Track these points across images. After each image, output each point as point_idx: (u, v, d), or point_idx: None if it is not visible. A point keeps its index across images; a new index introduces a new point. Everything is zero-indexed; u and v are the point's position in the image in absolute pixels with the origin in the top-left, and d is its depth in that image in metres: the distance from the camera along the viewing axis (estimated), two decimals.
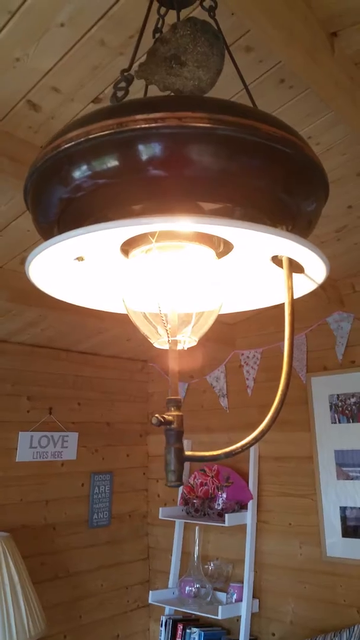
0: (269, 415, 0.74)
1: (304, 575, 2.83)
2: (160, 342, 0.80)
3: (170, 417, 0.74)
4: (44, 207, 0.77)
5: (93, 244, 0.77)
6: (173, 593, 3.10)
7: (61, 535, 3.04)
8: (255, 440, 0.74)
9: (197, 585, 2.96)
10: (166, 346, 0.78)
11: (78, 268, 0.84)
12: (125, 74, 0.78)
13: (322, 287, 1.33)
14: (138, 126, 0.64)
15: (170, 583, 3.22)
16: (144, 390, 3.64)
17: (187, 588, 2.97)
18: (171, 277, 0.80)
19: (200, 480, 3.14)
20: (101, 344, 3.21)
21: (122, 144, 0.66)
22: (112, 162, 0.67)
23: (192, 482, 3.18)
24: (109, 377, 3.39)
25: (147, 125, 0.64)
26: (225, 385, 3.28)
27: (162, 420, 0.72)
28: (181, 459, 0.74)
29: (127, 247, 0.81)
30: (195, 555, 3.05)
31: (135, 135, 0.65)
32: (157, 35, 1.00)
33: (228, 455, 0.75)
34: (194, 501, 3.10)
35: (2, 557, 2.34)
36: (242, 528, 2.99)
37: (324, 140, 1.82)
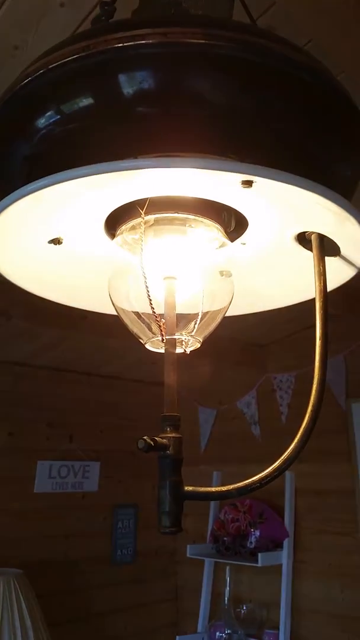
0: (295, 440, 0.56)
1: (348, 623, 2.57)
2: (153, 342, 0.62)
3: (164, 441, 0.56)
4: (5, 175, 0.61)
5: (69, 217, 0.61)
6: (202, 638, 2.88)
7: (81, 572, 2.85)
8: (278, 471, 0.55)
9: (229, 631, 2.74)
10: (160, 349, 0.61)
11: (56, 254, 0.67)
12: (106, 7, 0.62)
13: None
14: (110, 46, 0.48)
15: (199, 627, 2.99)
16: None
17: (217, 634, 2.75)
18: (166, 261, 0.63)
19: (231, 516, 2.92)
20: (125, 367, 3.06)
21: (92, 72, 0.50)
22: (84, 100, 0.51)
23: (222, 518, 2.97)
24: (133, 402, 3.22)
25: (121, 45, 0.48)
26: (256, 411, 3.07)
27: (153, 444, 0.54)
28: (179, 496, 0.55)
29: (114, 226, 0.65)
30: (226, 598, 2.83)
31: (107, 59, 0.49)
32: None
33: (242, 491, 0.56)
34: (225, 538, 2.88)
35: (13, 597, 2.16)
36: (278, 568, 2.75)
37: None
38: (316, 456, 2.59)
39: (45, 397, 2.88)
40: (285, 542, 2.77)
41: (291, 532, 2.79)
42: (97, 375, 3.09)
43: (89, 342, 2.61)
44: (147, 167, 0.46)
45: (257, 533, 2.76)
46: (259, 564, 2.61)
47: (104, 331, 2.43)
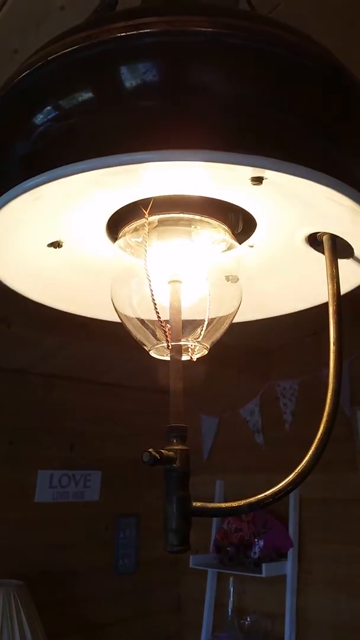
0: (310, 452, 0.53)
1: (354, 635, 2.52)
2: (158, 349, 0.59)
3: (170, 453, 0.53)
4: (2, 175, 0.58)
5: (70, 219, 0.58)
6: None
7: (83, 583, 2.80)
8: (292, 485, 0.52)
9: None
10: (166, 356, 0.58)
11: (56, 258, 0.65)
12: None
13: None
14: (111, 36, 0.45)
15: (203, 638, 2.95)
16: None
17: None
18: (171, 264, 0.60)
19: (234, 526, 2.87)
20: (126, 375, 3.03)
21: (94, 64, 0.47)
22: (84, 93, 0.49)
23: (225, 528, 2.92)
24: (135, 410, 3.18)
25: (123, 34, 0.45)
26: (260, 419, 3.03)
27: (158, 457, 0.51)
28: (187, 513, 0.52)
29: (117, 229, 0.62)
30: (230, 609, 2.79)
31: (110, 50, 0.46)
32: None
33: (254, 507, 0.53)
34: (228, 549, 2.84)
35: (13, 609, 2.12)
36: (282, 579, 2.71)
37: None
38: (321, 464, 2.52)
39: (46, 406, 2.85)
40: (290, 552, 2.72)
41: (296, 542, 2.75)
42: (99, 383, 3.06)
43: (91, 349, 2.58)
44: (150, 161, 0.44)
45: (261, 543, 2.71)
46: (263, 575, 2.56)
47: (106, 338, 2.40)
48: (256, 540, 2.74)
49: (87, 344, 2.45)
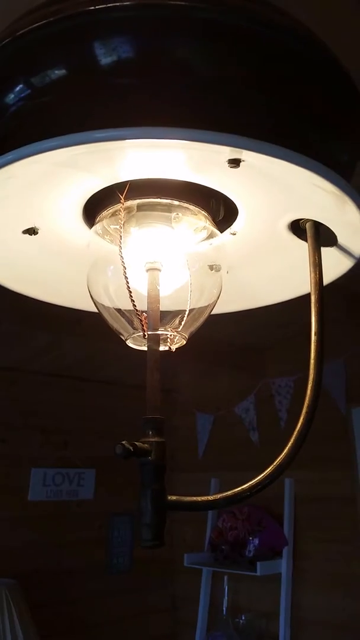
0: (288, 444, 0.51)
1: (349, 633, 2.50)
2: (135, 339, 0.57)
3: (145, 446, 0.51)
4: None
5: (44, 204, 0.57)
6: None
7: (76, 582, 2.78)
8: (269, 479, 0.50)
9: None
10: (143, 346, 0.56)
11: (32, 245, 0.63)
12: None
13: None
14: (83, 9, 0.44)
15: (197, 638, 2.92)
16: (167, 424, 3.38)
17: None
18: (149, 251, 0.58)
19: (229, 524, 2.85)
20: (120, 373, 3.00)
21: (65, 39, 0.45)
22: (56, 70, 0.47)
23: (220, 526, 2.90)
24: (129, 408, 3.14)
25: (94, 7, 0.43)
26: (255, 417, 3.01)
27: (132, 449, 0.49)
28: (162, 507, 0.50)
29: (94, 214, 0.60)
30: (225, 608, 2.76)
31: (81, 24, 0.44)
32: None
33: (231, 501, 0.51)
34: (223, 547, 2.82)
35: (5, 608, 2.10)
36: (277, 577, 2.68)
37: None
38: (316, 462, 2.54)
39: (39, 403, 2.83)
40: (285, 551, 2.70)
41: (291, 540, 2.73)
42: (92, 380, 3.04)
43: (84, 346, 2.56)
44: (124, 138, 0.42)
45: (256, 541, 2.69)
46: (258, 573, 2.54)
47: (99, 335, 2.38)
48: (251, 538, 2.72)
49: (81, 340, 2.43)
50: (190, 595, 3.09)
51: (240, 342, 2.91)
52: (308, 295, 0.72)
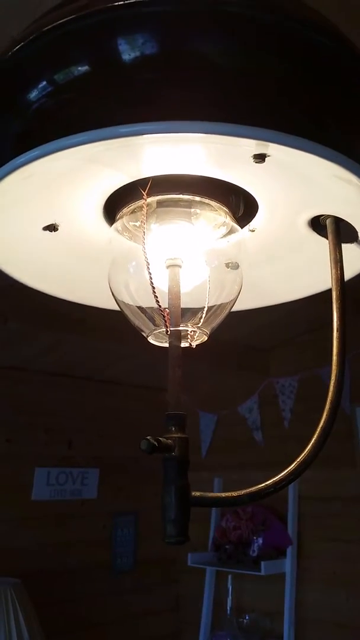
0: (312, 440, 0.51)
1: (353, 632, 2.50)
2: (156, 335, 0.57)
3: (169, 441, 0.51)
4: None
5: (65, 200, 0.57)
6: None
7: (80, 581, 2.78)
8: (293, 475, 0.50)
9: None
10: (164, 342, 0.56)
11: (52, 242, 0.63)
12: None
13: None
14: (107, 5, 0.44)
15: (201, 637, 2.92)
16: None
17: None
18: (170, 247, 0.58)
19: (233, 524, 2.86)
20: (124, 372, 3.01)
21: (89, 35, 0.45)
22: (80, 67, 0.47)
23: (224, 526, 2.90)
24: (133, 408, 3.16)
25: (120, 3, 0.43)
26: (259, 417, 3.01)
27: (157, 444, 0.49)
28: (186, 503, 0.50)
29: (114, 211, 0.60)
30: (229, 607, 2.77)
31: (105, 20, 0.44)
32: None
33: (254, 497, 0.51)
34: (227, 547, 2.82)
35: (10, 607, 2.10)
36: (281, 577, 2.69)
37: None
38: (320, 462, 2.51)
39: (43, 403, 2.82)
40: (289, 550, 2.70)
41: (295, 539, 2.73)
42: (96, 380, 3.04)
43: (88, 345, 2.56)
44: (148, 132, 0.42)
45: (260, 541, 2.70)
46: (262, 573, 2.55)
47: (104, 334, 2.38)
48: (255, 538, 2.72)
49: (85, 340, 2.43)
50: (194, 595, 3.09)
51: (244, 342, 2.91)
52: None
